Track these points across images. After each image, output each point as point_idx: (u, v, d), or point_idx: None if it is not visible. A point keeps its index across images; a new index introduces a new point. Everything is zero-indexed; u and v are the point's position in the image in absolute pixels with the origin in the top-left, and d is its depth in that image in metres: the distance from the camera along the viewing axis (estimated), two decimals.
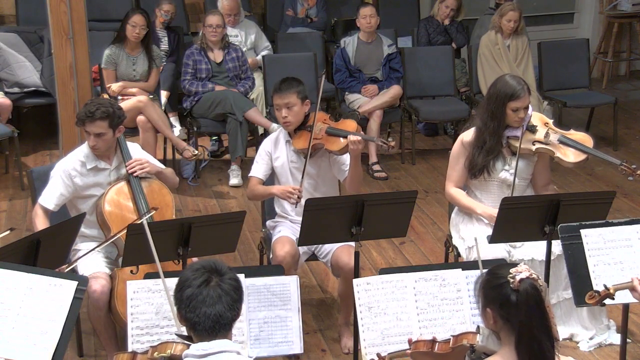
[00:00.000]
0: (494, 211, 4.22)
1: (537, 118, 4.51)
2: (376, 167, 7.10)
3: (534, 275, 2.78)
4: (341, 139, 4.42)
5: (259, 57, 7.60)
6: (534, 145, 4.43)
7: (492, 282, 2.85)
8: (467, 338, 3.06)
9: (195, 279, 2.74)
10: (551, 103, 7.62)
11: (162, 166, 4.63)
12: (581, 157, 4.41)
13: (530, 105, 4.54)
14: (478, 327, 3.01)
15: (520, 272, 2.77)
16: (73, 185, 4.34)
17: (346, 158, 4.49)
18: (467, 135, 4.53)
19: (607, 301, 3.36)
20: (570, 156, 4.42)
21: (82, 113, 4.32)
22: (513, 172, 4.45)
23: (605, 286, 3.30)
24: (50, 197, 4.32)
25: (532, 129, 4.45)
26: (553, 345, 2.76)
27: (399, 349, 3.38)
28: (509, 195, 4.43)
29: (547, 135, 4.41)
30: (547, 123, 4.48)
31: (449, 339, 3.17)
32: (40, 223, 4.26)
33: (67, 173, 4.33)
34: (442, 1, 8.05)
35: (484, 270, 3.05)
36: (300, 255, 4.49)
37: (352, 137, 4.31)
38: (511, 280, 2.76)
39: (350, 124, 4.51)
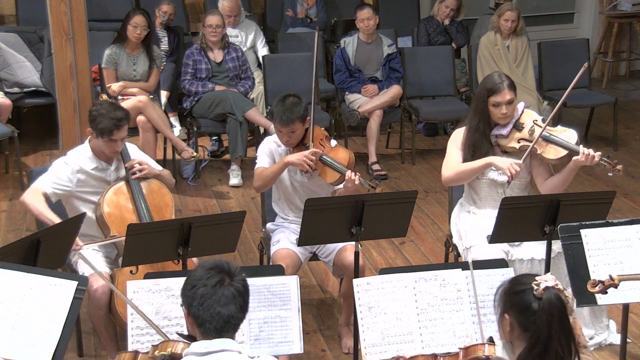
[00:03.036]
0: (496, 158, 4.36)
1: (526, 115, 4.50)
2: (376, 167, 7.10)
3: (559, 286, 2.71)
4: (335, 171, 4.41)
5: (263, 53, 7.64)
6: (519, 142, 4.42)
7: (514, 288, 2.78)
8: (480, 350, 3.01)
9: (209, 279, 2.77)
10: (551, 103, 7.62)
11: (160, 167, 4.63)
12: (562, 153, 4.39)
13: (523, 103, 4.54)
14: (491, 337, 2.97)
15: (546, 281, 2.70)
16: (73, 182, 4.33)
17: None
18: (458, 133, 4.55)
19: (609, 300, 3.36)
20: (552, 152, 4.40)
21: (108, 124, 4.23)
22: (502, 172, 4.46)
23: (610, 276, 3.29)
24: (51, 183, 4.27)
25: (518, 127, 4.44)
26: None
27: None
28: (502, 194, 4.44)
29: (531, 132, 4.40)
30: (536, 120, 4.46)
31: (457, 353, 3.14)
32: (41, 204, 4.18)
33: (71, 168, 4.33)
34: (442, 1, 8.05)
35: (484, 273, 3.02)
36: (302, 262, 4.49)
37: (349, 176, 4.31)
38: (535, 287, 2.69)
39: (343, 155, 4.46)
